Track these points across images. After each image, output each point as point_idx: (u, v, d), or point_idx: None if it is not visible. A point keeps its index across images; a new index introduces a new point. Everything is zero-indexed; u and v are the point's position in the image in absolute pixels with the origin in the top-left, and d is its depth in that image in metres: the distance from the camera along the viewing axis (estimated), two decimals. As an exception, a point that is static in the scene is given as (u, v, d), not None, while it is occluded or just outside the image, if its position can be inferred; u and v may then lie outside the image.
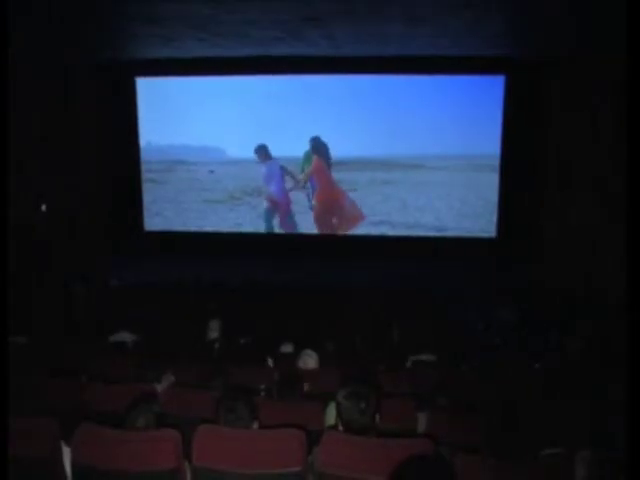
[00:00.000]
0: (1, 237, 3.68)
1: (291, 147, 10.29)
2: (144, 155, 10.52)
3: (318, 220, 10.65)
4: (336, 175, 10.34)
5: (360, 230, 10.41)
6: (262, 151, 10.53)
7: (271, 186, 10.64)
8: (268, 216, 10.72)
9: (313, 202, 10.61)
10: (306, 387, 4.11)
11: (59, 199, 9.14)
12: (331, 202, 10.63)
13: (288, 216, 10.69)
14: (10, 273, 3.65)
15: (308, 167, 10.37)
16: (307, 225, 10.60)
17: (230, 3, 6.12)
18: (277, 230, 10.76)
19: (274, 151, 10.30)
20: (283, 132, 10.11)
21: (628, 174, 2.86)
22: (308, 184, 10.47)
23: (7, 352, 3.18)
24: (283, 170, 10.56)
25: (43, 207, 8.87)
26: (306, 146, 10.24)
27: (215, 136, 10.40)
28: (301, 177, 10.49)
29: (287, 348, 6.05)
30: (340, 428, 2.81)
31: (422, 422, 3.60)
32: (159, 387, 4.09)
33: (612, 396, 4.10)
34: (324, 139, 10.14)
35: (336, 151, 10.18)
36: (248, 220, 10.71)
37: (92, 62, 9.38)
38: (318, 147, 10.34)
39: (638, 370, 2.46)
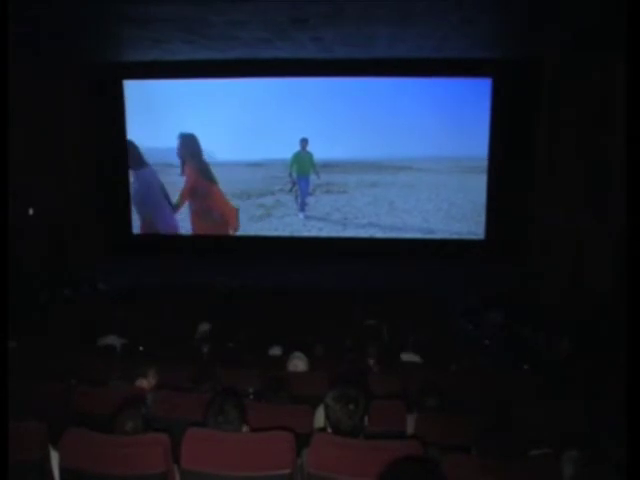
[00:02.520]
0: (2, 239, 3.67)
1: (279, 150, 10.30)
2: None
3: (197, 226, 10.78)
4: (325, 177, 10.36)
5: (348, 232, 10.43)
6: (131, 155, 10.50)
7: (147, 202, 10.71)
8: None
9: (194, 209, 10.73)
10: (295, 390, 4.11)
11: (46, 202, 9.09)
12: (210, 208, 10.76)
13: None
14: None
15: (294, 169, 10.45)
16: (296, 228, 10.61)
17: (218, 5, 6.13)
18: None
19: (265, 153, 10.28)
20: (271, 134, 10.14)
21: (628, 173, 2.89)
22: (297, 186, 10.48)
23: (6, 358, 3.19)
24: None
25: (30, 211, 8.82)
26: (295, 148, 10.25)
27: (203, 139, 10.38)
28: (175, 201, 10.54)
29: (276, 351, 6.04)
30: (329, 430, 2.81)
31: (411, 424, 3.60)
32: (145, 382, 4.09)
33: (599, 396, 4.13)
34: (312, 141, 10.15)
35: (324, 153, 10.19)
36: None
37: (80, 64, 9.34)
38: (189, 152, 10.44)
39: (637, 368, 2.48)
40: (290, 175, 10.44)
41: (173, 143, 10.40)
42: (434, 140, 9.82)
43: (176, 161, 10.49)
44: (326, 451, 2.65)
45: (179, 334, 6.61)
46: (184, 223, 10.68)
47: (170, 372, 4.49)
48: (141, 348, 6.00)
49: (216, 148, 10.44)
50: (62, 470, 2.79)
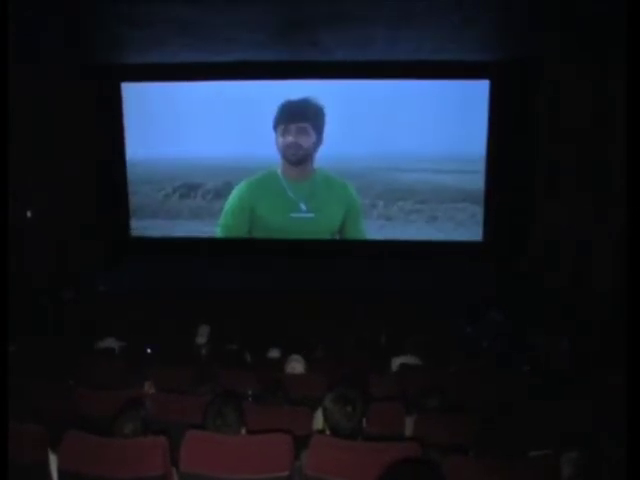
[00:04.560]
0: (1, 239, 3.67)
1: (273, 148, 9.97)
2: (130, 159, 10.41)
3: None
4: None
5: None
6: None
7: None
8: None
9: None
10: (294, 392, 4.11)
11: (45, 205, 9.09)
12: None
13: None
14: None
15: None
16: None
17: (215, 6, 6.13)
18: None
19: (266, 156, 10.05)
20: (271, 137, 9.90)
21: (628, 174, 2.89)
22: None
23: (7, 360, 3.19)
24: None
25: (29, 213, 8.82)
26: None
27: (202, 141, 10.22)
28: None
29: (274, 353, 6.06)
30: (327, 433, 2.82)
31: (410, 426, 3.60)
32: (146, 386, 4.10)
33: (598, 397, 4.13)
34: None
35: (323, 155, 10.06)
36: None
37: (80, 65, 9.33)
38: None
39: (637, 368, 2.49)
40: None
41: (170, 145, 10.24)
42: (432, 141, 9.71)
43: (174, 163, 10.37)
44: (325, 453, 2.65)
45: (178, 336, 6.62)
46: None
47: (169, 375, 4.50)
48: (149, 350, 6.01)
49: (214, 151, 10.30)
50: (61, 473, 2.79)
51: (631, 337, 2.62)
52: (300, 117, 9.74)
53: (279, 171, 9.96)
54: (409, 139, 9.79)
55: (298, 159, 9.87)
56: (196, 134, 10.11)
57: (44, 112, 9.07)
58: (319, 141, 9.78)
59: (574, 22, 6.94)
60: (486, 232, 9.91)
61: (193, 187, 10.45)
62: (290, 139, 9.76)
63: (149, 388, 4.19)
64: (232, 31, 7.18)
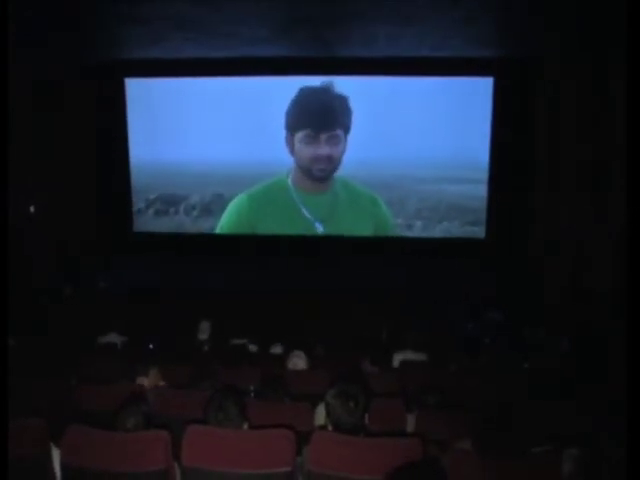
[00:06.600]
0: (2, 239, 3.68)
1: (282, 148, 9.51)
2: (133, 154, 10.34)
3: None
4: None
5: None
6: None
7: None
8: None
9: None
10: (296, 388, 4.12)
11: (47, 200, 9.09)
12: None
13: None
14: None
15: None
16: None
17: (216, 2, 6.15)
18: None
19: (268, 153, 9.58)
20: (275, 134, 9.39)
21: (628, 173, 2.91)
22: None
23: (7, 356, 3.20)
24: None
25: (31, 208, 8.83)
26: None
27: (205, 137, 9.85)
28: None
29: (276, 349, 6.07)
30: (329, 428, 2.82)
31: (411, 422, 3.61)
32: (146, 381, 4.11)
33: (598, 395, 4.14)
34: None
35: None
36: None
37: (80, 62, 9.32)
38: None
39: (637, 368, 2.50)
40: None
41: (172, 141, 9.93)
42: (434, 139, 9.62)
43: (177, 159, 10.20)
44: (326, 449, 2.66)
45: (179, 332, 6.63)
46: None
47: (171, 370, 4.50)
48: (151, 346, 6.01)
49: (217, 146, 10.13)
50: (63, 467, 2.80)
51: (631, 337, 2.63)
52: (331, 123, 8.10)
53: (289, 181, 8.61)
54: (419, 142, 9.51)
55: (327, 175, 8.37)
56: (186, 135, 9.25)
57: (44, 112, 9.07)
58: (346, 144, 8.32)
59: (574, 22, 6.95)
60: (486, 232, 9.90)
61: (173, 201, 9.02)
62: (321, 151, 8.06)
63: (153, 378, 4.20)
64: (233, 27, 7.19)
